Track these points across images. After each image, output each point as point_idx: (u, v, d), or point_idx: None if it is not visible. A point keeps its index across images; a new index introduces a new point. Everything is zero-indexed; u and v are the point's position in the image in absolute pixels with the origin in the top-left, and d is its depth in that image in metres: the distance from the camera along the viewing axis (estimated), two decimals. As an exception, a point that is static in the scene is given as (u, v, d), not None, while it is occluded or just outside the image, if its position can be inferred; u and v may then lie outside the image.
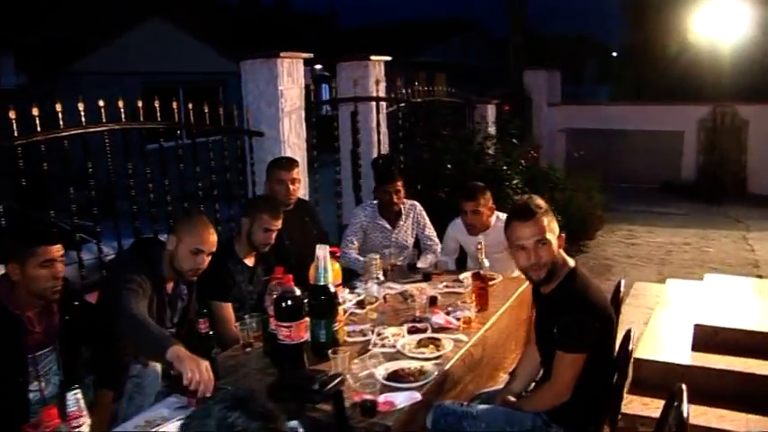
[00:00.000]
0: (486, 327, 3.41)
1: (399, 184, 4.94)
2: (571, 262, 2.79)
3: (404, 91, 7.29)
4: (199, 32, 15.19)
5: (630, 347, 2.90)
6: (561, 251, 2.78)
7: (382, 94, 6.74)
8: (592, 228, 9.09)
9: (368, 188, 6.49)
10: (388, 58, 6.89)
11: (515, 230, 2.74)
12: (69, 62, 12.33)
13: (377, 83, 6.52)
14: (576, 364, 2.63)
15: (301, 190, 5.59)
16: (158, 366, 3.05)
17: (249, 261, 3.92)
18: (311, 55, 5.62)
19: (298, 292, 2.87)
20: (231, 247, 3.88)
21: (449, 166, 7.37)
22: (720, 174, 12.22)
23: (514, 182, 7.51)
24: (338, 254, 3.32)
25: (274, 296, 2.92)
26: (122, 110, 4.40)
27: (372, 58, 6.63)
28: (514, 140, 8.38)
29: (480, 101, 9.47)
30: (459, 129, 8.62)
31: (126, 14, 14.02)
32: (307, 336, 2.91)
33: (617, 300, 3.45)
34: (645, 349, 4.54)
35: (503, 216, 4.76)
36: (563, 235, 2.78)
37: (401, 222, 5.04)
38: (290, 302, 2.84)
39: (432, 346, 3.08)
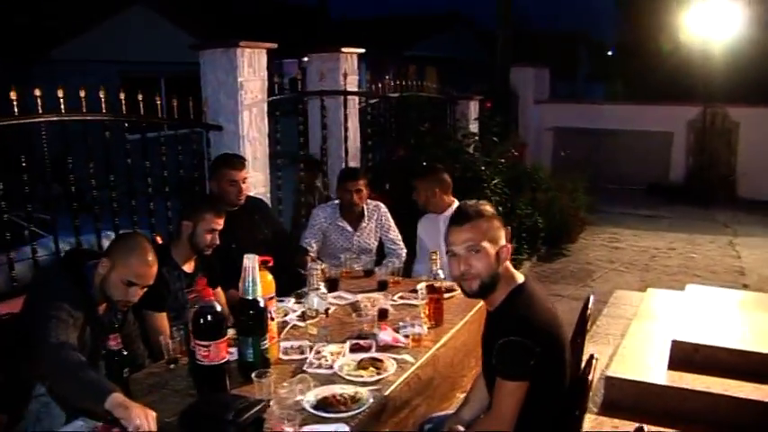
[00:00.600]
0: (438, 345, 3.11)
1: (362, 183, 4.65)
2: (520, 278, 2.48)
3: (378, 85, 6.98)
4: (182, 21, 14.78)
5: (591, 376, 2.58)
6: (508, 264, 2.47)
7: (353, 88, 6.41)
8: (574, 230, 8.81)
9: (334, 186, 6.20)
10: (361, 51, 6.55)
11: (449, 235, 2.46)
12: (46, 48, 11.93)
13: (345, 76, 6.18)
14: (517, 392, 2.31)
15: (260, 188, 5.31)
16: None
17: (188, 267, 3.61)
18: (274, 45, 5.27)
19: (218, 307, 2.55)
20: (167, 253, 3.56)
21: (423, 164, 7.05)
22: (709, 176, 11.96)
23: (494, 182, 7.21)
24: (270, 263, 2.99)
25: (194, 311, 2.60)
26: (102, 100, 4.30)
27: (344, 50, 6.30)
28: (495, 138, 8.06)
29: (462, 96, 9.14)
30: (439, 126, 8.31)
31: (107, 0, 13.63)
32: (229, 356, 2.60)
33: (584, 317, 3.13)
34: (618, 366, 4.25)
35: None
36: (509, 246, 2.47)
37: (363, 224, 4.74)
38: (209, 318, 2.52)
39: (371, 369, 2.77)
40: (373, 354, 2.90)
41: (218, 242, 3.55)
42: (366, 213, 4.73)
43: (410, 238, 4.96)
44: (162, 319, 3.40)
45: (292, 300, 3.58)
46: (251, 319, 2.67)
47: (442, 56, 22.18)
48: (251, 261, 2.67)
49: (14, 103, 3.86)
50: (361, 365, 2.79)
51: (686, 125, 12.26)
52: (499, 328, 2.38)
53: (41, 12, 12.57)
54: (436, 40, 22.72)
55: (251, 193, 5.12)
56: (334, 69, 6.26)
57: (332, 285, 3.86)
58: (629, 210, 10.72)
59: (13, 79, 4.37)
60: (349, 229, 4.68)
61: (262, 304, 2.69)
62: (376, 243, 4.83)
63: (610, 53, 27.11)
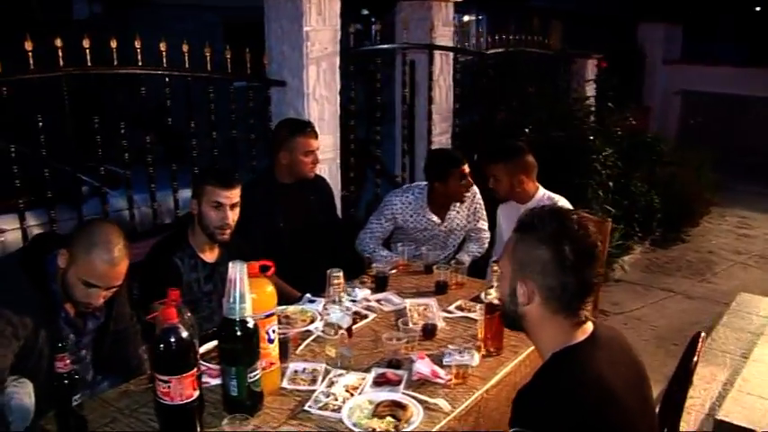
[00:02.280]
0: (488, 384, 2.40)
1: (467, 167, 3.88)
2: (579, 334, 1.72)
3: (483, 40, 6.19)
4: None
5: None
6: (554, 316, 1.71)
7: (446, 41, 5.64)
8: (697, 212, 7.71)
9: (421, 154, 5.51)
10: (458, -1, 5.78)
11: None
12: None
13: (430, 29, 5.40)
14: None
15: (328, 153, 4.69)
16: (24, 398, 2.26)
17: (209, 255, 3.06)
18: (345, -10, 4.59)
19: (184, 333, 1.95)
20: (183, 238, 3.01)
21: (526, 130, 6.21)
22: None
23: (604, 153, 6.30)
24: (271, 271, 2.35)
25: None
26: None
27: (436, -3, 5.52)
28: (610, 104, 7.07)
29: (578, 54, 8.13)
30: (549, 87, 7.40)
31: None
32: (196, 393, 2.00)
33: (687, 363, 2.32)
34: (733, 407, 3.40)
35: (555, 197, 3.76)
36: (532, 289, 1.71)
37: (453, 212, 4.03)
38: (171, 346, 1.93)
39: (389, 419, 2.10)
40: (398, 395, 2.23)
41: (229, 221, 2.94)
42: (465, 199, 4.02)
43: (491, 223, 4.23)
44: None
45: (322, 302, 2.94)
46: (236, 345, 2.06)
47: (568, 8, 20.71)
48: (238, 270, 2.04)
49: (114, 52, 3.67)
50: (377, 412, 2.13)
51: None
52: (525, 403, 1.65)
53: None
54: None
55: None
56: (424, 19, 5.50)
57: (380, 284, 3.20)
58: (763, 189, 9.41)
59: (114, 24, 3.99)
60: (436, 220, 3.99)
61: (251, 326, 2.08)
62: (464, 234, 4.14)
63: (758, 8, 24.68)
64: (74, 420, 2.04)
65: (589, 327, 1.74)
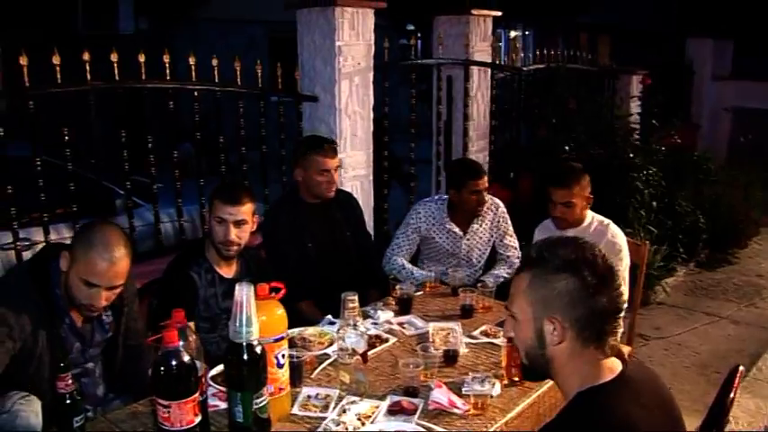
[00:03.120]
0: (509, 416, 2.28)
1: (485, 180, 3.85)
2: (607, 372, 1.61)
3: (525, 55, 6.10)
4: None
5: None
6: (582, 354, 1.61)
7: (484, 57, 5.55)
8: (745, 233, 7.44)
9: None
10: (498, 13, 5.68)
11: None
12: (191, 6, 11.81)
13: (466, 45, 5.31)
14: None
15: (360, 170, 4.63)
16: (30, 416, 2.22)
17: (226, 270, 3.00)
18: (383, 4, 4.53)
19: (186, 356, 1.88)
20: (200, 252, 2.96)
21: (566, 147, 6.07)
22: None
23: (646, 172, 6.11)
24: (282, 293, 2.27)
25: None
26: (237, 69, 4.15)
27: (474, 12, 5.43)
28: (654, 121, 6.87)
29: (622, 70, 7.96)
30: (591, 104, 7.23)
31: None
32: (198, 419, 1.93)
33: (724, 399, 2.17)
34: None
35: (605, 221, 3.63)
36: (563, 325, 1.60)
37: (476, 226, 3.96)
38: (171, 370, 1.86)
39: (400, 454, 2.01)
40: (411, 426, 2.13)
41: (231, 237, 2.87)
42: (480, 213, 3.93)
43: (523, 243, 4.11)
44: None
45: (351, 323, 2.84)
46: (242, 370, 1.99)
47: (615, 23, 20.37)
48: (245, 292, 1.97)
49: (167, 66, 3.79)
50: (387, 445, 2.04)
51: None
52: None
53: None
54: (610, 3, 20.87)
55: (347, 177, 4.52)
56: (460, 35, 5.43)
57: (404, 307, 3.11)
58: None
59: (158, 41, 4.06)
60: (457, 231, 3.91)
61: (259, 350, 2.00)
62: (488, 249, 4.05)
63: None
64: (77, 443, 1.99)
65: (617, 366, 1.63)
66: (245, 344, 1.98)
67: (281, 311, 2.21)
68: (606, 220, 3.63)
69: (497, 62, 5.82)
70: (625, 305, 1.60)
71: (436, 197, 4.17)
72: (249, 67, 4.16)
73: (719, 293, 6.15)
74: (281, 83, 4.35)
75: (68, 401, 1.98)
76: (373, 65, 4.58)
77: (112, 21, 10.49)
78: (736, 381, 2.17)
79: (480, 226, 3.97)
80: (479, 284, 3.38)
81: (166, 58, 3.71)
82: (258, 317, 2.00)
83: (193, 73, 3.95)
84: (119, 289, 2.37)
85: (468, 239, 3.94)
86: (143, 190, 4.65)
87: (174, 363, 1.85)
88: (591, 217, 3.64)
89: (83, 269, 2.27)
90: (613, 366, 1.61)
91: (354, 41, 4.44)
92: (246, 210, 2.90)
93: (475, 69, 5.45)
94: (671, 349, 4.90)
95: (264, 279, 2.88)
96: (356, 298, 2.67)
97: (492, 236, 4.02)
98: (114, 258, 2.28)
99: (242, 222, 2.89)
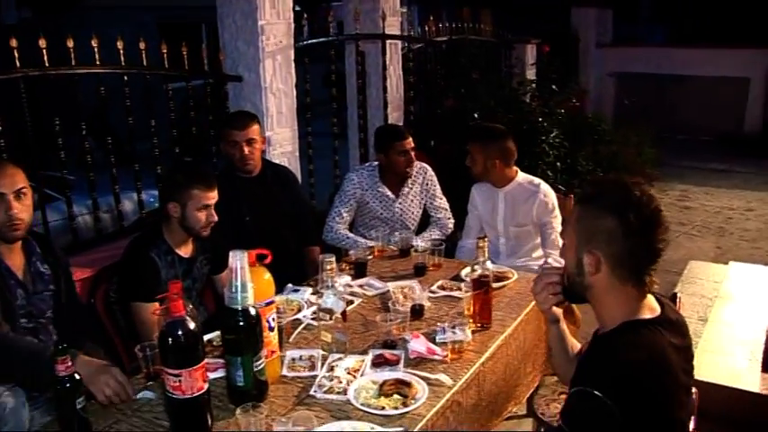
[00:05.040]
0: (484, 357, 2.46)
1: (411, 142, 3.98)
2: (646, 311, 1.77)
3: (426, 29, 6.26)
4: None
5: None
6: (623, 285, 1.76)
7: (394, 31, 5.69)
8: (640, 187, 7.95)
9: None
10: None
11: None
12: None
13: (383, 18, 5.44)
14: None
15: (287, 146, 4.69)
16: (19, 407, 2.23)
17: (184, 251, 3.02)
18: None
19: (191, 324, 1.95)
20: (158, 235, 2.98)
21: (475, 115, 6.31)
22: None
23: (552, 135, 6.45)
24: (269, 259, 2.36)
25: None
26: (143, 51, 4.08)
27: (382, -13, 5.57)
28: (554, 86, 7.23)
29: (518, 40, 8.31)
30: (493, 73, 7.52)
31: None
32: (206, 385, 2.00)
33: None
34: (702, 366, 3.54)
35: (536, 181, 3.83)
36: (598, 256, 1.77)
37: (406, 189, 4.09)
38: (179, 339, 1.92)
39: (396, 396, 2.14)
40: (400, 374, 2.28)
41: (214, 218, 2.95)
42: (410, 177, 4.08)
43: (457, 207, 4.28)
44: (152, 311, 2.83)
45: (308, 291, 2.96)
46: (240, 335, 2.06)
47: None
48: (239, 260, 2.04)
49: (44, 52, 3.59)
50: (383, 391, 2.17)
51: (765, 71, 11.10)
52: (591, 364, 1.74)
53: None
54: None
55: (275, 154, 4.57)
56: (372, 10, 5.54)
57: (359, 270, 3.23)
58: (698, 163, 9.77)
59: (44, 29, 3.86)
60: (390, 195, 4.05)
61: (254, 314, 2.08)
62: (420, 211, 4.18)
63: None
64: (78, 423, 2.01)
65: (656, 306, 1.79)
66: (240, 309, 2.05)
67: (267, 276, 2.29)
68: (537, 180, 3.85)
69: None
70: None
71: (367, 164, 4.26)
72: (138, 51, 4.06)
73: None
74: (191, 64, 4.33)
75: (68, 384, 1.98)
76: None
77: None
78: (678, 304, 2.43)
79: (411, 189, 4.10)
80: (412, 249, 3.51)
81: (42, 43, 3.54)
82: (248, 283, 2.08)
83: (97, 56, 3.86)
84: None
85: (400, 203, 4.07)
86: (54, 183, 4.56)
87: (180, 332, 1.91)
88: (522, 178, 3.85)
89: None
90: (653, 305, 1.78)
91: (275, 20, 4.49)
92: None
93: (388, 43, 5.58)
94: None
95: (219, 253, 2.98)
96: (334, 259, 2.77)
97: (423, 198, 4.16)
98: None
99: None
